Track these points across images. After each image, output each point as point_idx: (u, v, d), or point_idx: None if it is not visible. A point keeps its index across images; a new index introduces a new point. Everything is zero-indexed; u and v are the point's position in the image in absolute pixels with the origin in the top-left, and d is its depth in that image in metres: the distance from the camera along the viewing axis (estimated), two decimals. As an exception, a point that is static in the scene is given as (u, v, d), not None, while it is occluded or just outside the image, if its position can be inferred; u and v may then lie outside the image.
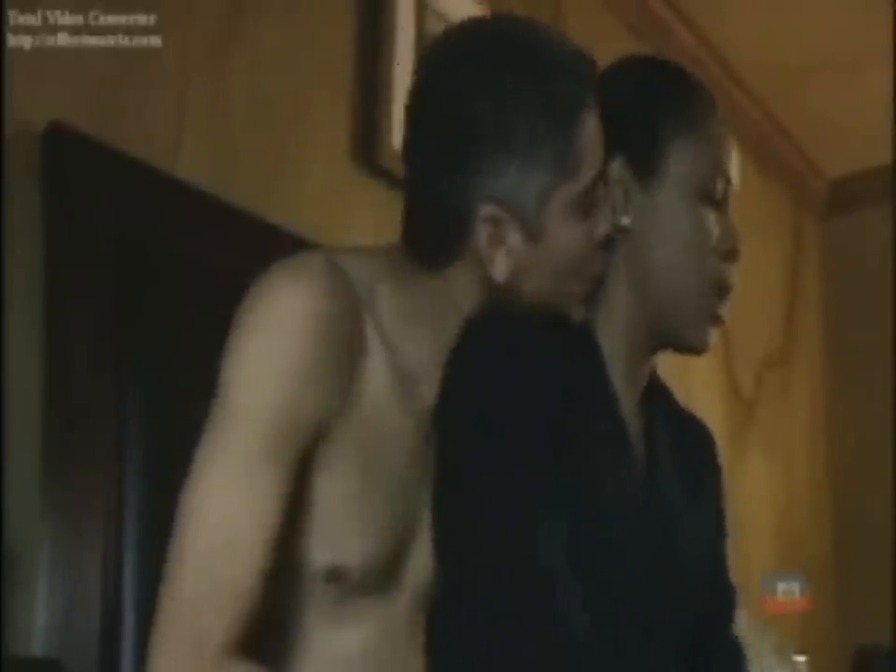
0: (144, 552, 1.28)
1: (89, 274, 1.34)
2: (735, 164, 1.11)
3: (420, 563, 1.01)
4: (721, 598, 1.21)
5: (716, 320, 1.09)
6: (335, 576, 0.96)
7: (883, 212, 3.49)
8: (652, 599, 1.03)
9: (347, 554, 0.96)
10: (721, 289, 1.09)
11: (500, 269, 1.00)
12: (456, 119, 0.98)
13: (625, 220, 1.05)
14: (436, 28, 2.01)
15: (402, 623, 1.01)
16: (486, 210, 0.98)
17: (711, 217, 1.07)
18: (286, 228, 1.63)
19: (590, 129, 1.01)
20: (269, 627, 0.94)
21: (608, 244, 1.06)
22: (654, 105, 1.08)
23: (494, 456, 0.94)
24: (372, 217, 1.88)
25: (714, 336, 1.11)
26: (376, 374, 0.98)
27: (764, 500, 3.20)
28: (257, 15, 1.73)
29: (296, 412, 0.91)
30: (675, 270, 1.06)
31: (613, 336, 1.08)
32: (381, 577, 0.99)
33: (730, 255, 1.09)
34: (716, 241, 1.07)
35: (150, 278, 1.40)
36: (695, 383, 2.75)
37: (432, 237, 1.03)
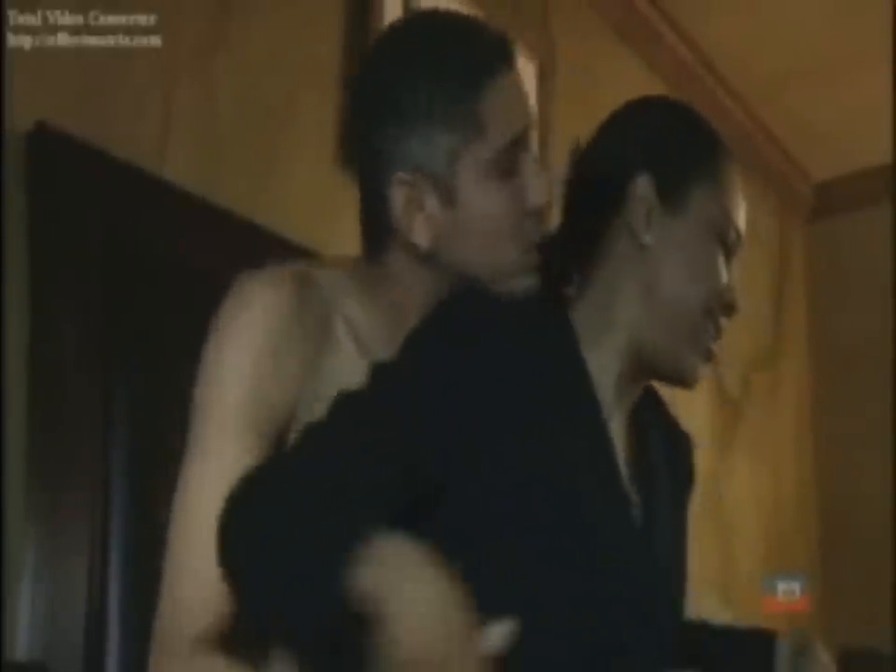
0: (129, 553, 1.27)
1: (75, 275, 1.34)
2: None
3: None
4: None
5: (708, 355, 1.11)
6: None
7: (868, 214, 3.51)
8: (629, 594, 1.00)
9: None
10: (717, 327, 1.10)
11: (420, 235, 1.02)
12: (365, 98, 1.04)
13: (648, 238, 1.06)
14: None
15: None
16: (398, 175, 1.01)
17: (722, 261, 1.10)
18: (272, 229, 1.63)
19: (496, 96, 1.03)
20: None
21: (542, 216, 1.07)
22: (686, 147, 1.10)
23: (366, 406, 0.91)
24: (358, 218, 1.87)
25: (703, 372, 1.12)
26: (349, 369, 1.00)
27: (751, 502, 3.20)
28: (244, 16, 1.73)
29: (265, 406, 0.95)
30: (682, 292, 1.07)
31: (609, 347, 1.07)
32: None
33: (728, 307, 1.10)
34: (723, 283, 1.09)
35: (137, 279, 1.39)
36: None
37: (365, 221, 1.07)
